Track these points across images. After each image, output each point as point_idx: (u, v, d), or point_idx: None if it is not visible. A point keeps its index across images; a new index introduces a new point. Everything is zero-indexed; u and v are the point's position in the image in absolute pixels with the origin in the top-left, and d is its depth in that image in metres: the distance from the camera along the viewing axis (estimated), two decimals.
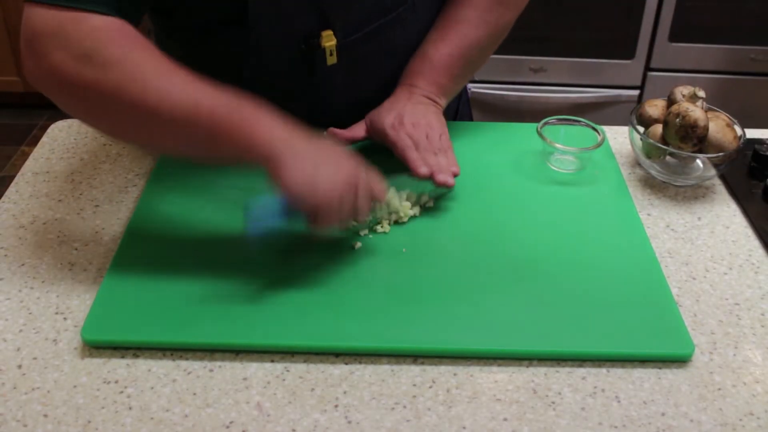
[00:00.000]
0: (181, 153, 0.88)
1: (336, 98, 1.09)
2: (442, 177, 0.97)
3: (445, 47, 1.07)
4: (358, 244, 0.93)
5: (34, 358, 0.80)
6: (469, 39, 1.07)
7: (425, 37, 1.09)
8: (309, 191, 0.81)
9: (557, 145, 1.05)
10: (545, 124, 1.08)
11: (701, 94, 1.04)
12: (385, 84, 1.10)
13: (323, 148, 0.85)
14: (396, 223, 0.97)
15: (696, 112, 1.00)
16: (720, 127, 1.03)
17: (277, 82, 1.04)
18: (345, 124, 1.07)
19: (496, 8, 1.07)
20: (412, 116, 1.02)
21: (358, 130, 1.06)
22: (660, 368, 0.80)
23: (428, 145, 1.00)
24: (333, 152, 0.86)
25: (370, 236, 0.95)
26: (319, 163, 0.82)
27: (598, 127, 1.09)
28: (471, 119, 1.36)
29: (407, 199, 0.98)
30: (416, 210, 0.99)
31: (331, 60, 1.03)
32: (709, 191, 1.08)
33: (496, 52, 1.15)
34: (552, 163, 1.08)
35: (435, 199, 1.01)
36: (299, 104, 0.97)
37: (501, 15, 1.08)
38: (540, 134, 1.06)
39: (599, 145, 1.05)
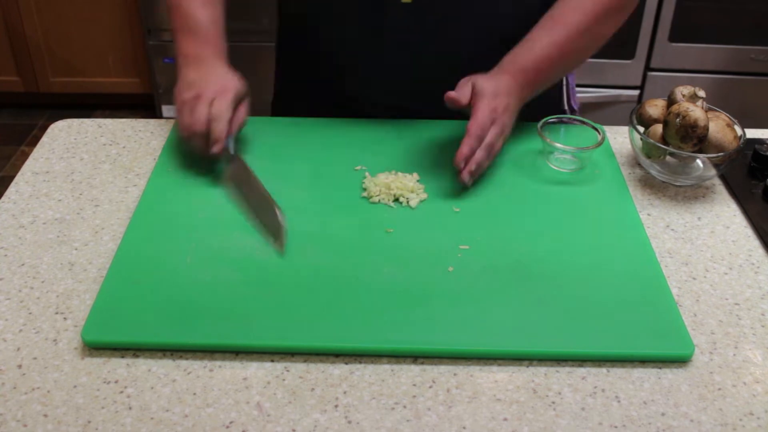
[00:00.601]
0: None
1: (403, 47, 1.06)
2: (466, 177, 1.00)
3: (549, 50, 1.06)
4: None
5: (34, 358, 0.80)
6: (572, 46, 1.07)
7: (530, 30, 1.08)
8: (175, 95, 1.06)
9: (557, 145, 1.05)
10: (545, 123, 1.08)
11: (701, 94, 1.04)
12: (455, 54, 1.10)
13: (208, 69, 1.07)
14: (402, 203, 1.01)
15: (696, 111, 1.00)
16: (720, 127, 1.03)
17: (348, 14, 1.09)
18: (408, 89, 1.08)
19: (604, 21, 1.08)
20: (506, 103, 1.02)
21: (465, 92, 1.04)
22: (660, 368, 0.80)
23: (488, 137, 1.00)
24: (211, 74, 1.06)
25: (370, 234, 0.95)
26: (195, 79, 1.06)
27: (598, 126, 1.09)
28: None
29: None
30: (422, 195, 1.01)
31: None
32: (709, 191, 1.08)
33: None
34: (552, 162, 1.08)
35: None
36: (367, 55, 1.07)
37: (606, 28, 1.09)
38: (540, 133, 1.06)
39: (599, 144, 1.05)
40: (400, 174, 1.04)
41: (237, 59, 1.36)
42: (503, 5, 1.12)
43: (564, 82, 1.28)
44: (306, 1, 1.18)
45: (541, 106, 1.14)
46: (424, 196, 1.01)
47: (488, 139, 1.00)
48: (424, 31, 1.10)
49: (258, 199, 0.99)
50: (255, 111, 1.36)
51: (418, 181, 1.03)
